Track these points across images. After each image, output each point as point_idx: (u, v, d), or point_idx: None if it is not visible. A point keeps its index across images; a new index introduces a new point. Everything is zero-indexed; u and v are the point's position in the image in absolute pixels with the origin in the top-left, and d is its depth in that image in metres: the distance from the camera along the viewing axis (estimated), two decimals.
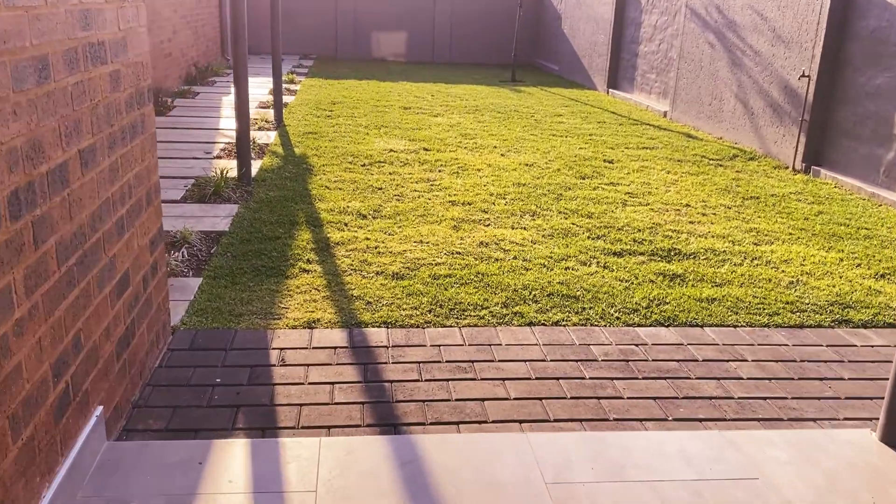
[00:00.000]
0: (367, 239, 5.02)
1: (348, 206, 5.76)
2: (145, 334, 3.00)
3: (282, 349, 3.37)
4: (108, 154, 2.54)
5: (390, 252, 4.77)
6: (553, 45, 17.40)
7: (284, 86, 12.45)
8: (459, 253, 4.81)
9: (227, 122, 9.02)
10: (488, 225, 5.49)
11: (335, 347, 3.41)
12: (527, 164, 7.57)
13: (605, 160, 7.94)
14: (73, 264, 2.23)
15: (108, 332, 2.54)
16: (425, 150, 8.08)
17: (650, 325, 3.81)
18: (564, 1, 16.51)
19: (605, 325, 3.78)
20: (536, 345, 3.51)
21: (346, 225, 5.33)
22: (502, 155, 8.03)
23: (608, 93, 13.72)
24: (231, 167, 6.71)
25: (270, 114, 9.55)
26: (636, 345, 3.57)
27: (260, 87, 12.21)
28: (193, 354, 3.26)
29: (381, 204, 5.89)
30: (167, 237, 4.85)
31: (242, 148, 6.24)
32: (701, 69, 10.21)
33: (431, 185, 6.60)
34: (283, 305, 3.89)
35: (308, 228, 5.20)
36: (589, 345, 3.54)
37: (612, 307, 4.01)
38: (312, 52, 18.95)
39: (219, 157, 7.26)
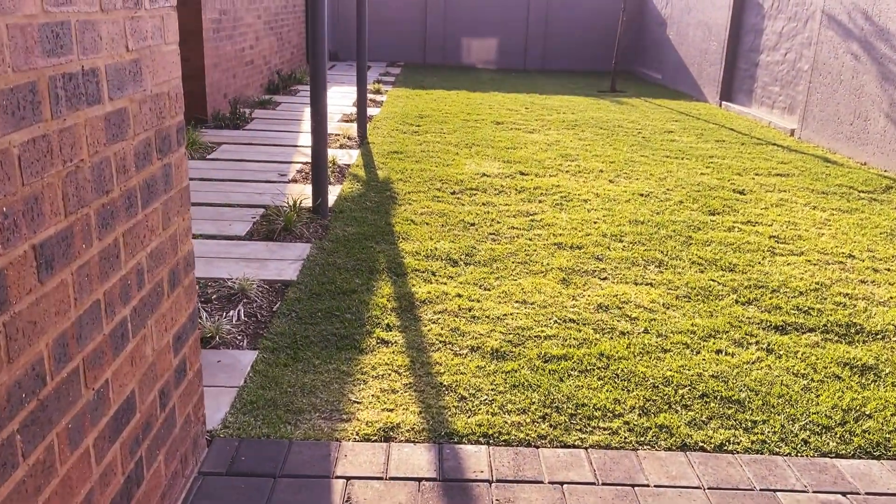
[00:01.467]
0: (459, 296, 4.11)
1: (436, 248, 4.88)
2: (162, 468, 2.18)
3: (348, 479, 2.49)
4: (101, 235, 1.72)
5: (487, 316, 3.85)
6: (656, 52, 16.13)
7: (370, 96, 11.75)
8: (573, 321, 3.84)
9: (307, 138, 8.32)
10: (605, 278, 4.50)
11: (419, 480, 2.50)
12: (641, 195, 6.52)
13: (734, 190, 6.79)
14: (15, 431, 1.40)
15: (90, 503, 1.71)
16: (522, 174, 7.14)
17: (853, 456, 2.75)
18: (671, 5, 15.24)
19: (791, 454, 2.74)
20: (699, 488, 2.51)
21: (433, 275, 4.44)
22: (611, 181, 7.00)
23: (721, 105, 12.42)
24: (306, 194, 5.94)
25: (354, 129, 8.82)
26: (843, 493, 2.52)
27: (345, 98, 11.54)
28: (231, 484, 2.42)
29: (474, 245, 4.98)
30: (223, 288, 4.08)
31: (319, 176, 5.45)
32: (840, 83, 8.87)
33: (531, 220, 5.65)
34: (354, 398, 3.02)
35: (389, 278, 4.34)
36: (775, 490, 2.52)
37: (793, 421, 2.96)
38: (400, 60, 18.30)
39: (294, 181, 6.52)
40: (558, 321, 3.83)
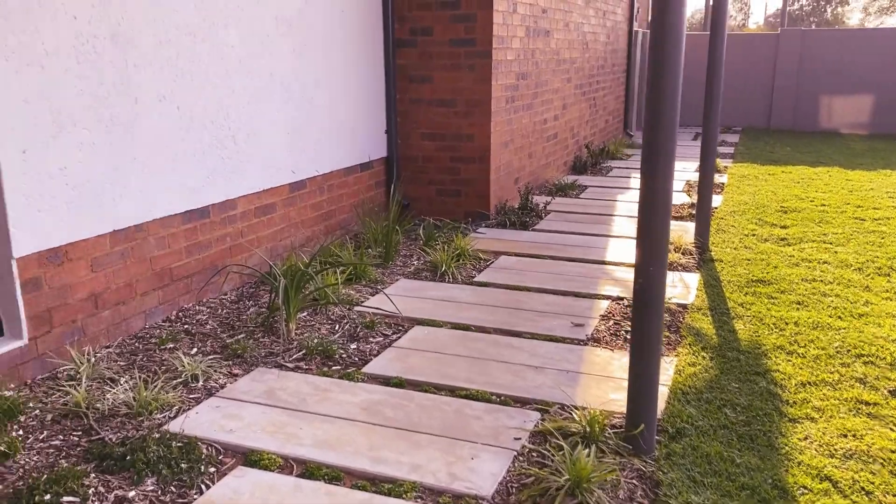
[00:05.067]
0: None
1: None
2: None
3: None
4: None
5: None
6: None
7: None
8: None
9: (620, 247, 5.79)
10: None
11: None
12: None
13: None
14: None
15: None
16: None
17: None
18: None
19: None
20: None
21: None
22: None
23: None
24: (614, 379, 3.40)
25: (688, 231, 6.10)
26: None
27: (675, 180, 8.79)
28: None
29: None
30: None
31: (643, 371, 2.85)
32: None
33: None
34: None
35: None
36: None
37: None
38: (735, 124, 15.05)
39: (595, 340, 3.99)
40: None
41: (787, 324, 4.16)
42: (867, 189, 8.11)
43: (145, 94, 3.97)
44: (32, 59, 3.34)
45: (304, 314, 4.34)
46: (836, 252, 5.61)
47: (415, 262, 5.40)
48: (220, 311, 4.42)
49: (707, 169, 5.71)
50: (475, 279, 5.00)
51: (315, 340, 3.87)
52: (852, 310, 4.37)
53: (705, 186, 5.74)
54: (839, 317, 4.27)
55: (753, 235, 6.13)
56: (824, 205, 7.31)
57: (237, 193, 4.78)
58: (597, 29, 10.03)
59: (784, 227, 6.44)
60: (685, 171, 9.48)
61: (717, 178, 8.82)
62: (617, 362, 3.65)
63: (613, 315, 4.32)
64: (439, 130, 6.59)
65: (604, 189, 8.21)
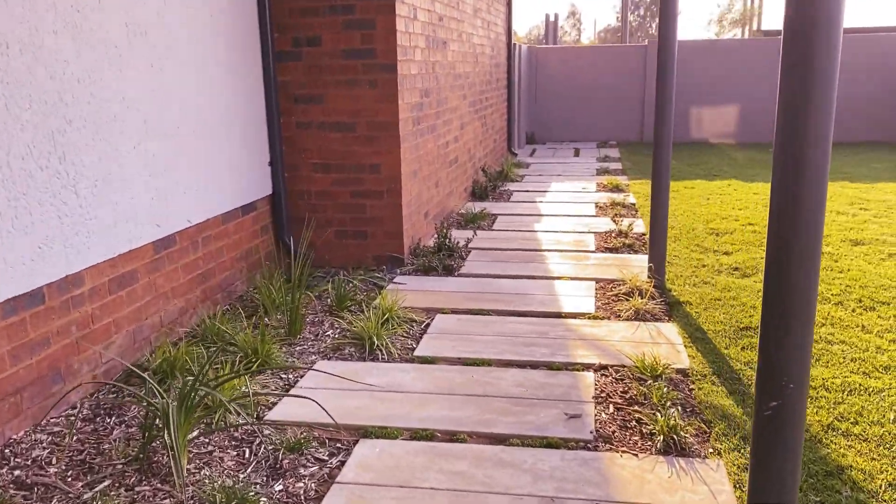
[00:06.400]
0: None
1: None
2: None
3: None
4: None
5: None
6: None
7: (610, 196, 8.30)
8: None
9: (567, 293, 4.88)
10: None
11: None
12: None
13: None
14: None
15: None
16: None
17: None
18: None
19: None
20: None
21: None
22: None
23: None
24: (656, 499, 2.45)
25: (629, 266, 5.32)
26: None
27: (580, 201, 8.07)
28: None
29: None
30: None
31: None
32: None
33: None
34: None
35: None
36: None
37: None
38: (611, 138, 14.90)
39: (606, 440, 3.02)
40: None
41: (815, 389, 3.41)
42: (763, 203, 7.79)
43: None
44: None
45: (196, 432, 3.07)
46: None
47: (329, 333, 4.22)
48: (68, 438, 3.06)
49: (660, 190, 4.98)
50: (416, 352, 3.91)
51: (221, 483, 2.64)
52: (872, 361, 3.70)
53: (659, 213, 5.00)
54: (865, 372, 3.57)
55: (704, 266, 5.46)
56: (751, 223, 6.85)
57: (83, 264, 3.43)
58: (483, 41, 9.25)
59: (727, 253, 5.84)
60: (585, 190, 8.87)
61: (626, 199, 8.24)
62: (651, 476, 2.70)
63: (609, 395, 3.38)
64: (336, 160, 5.45)
65: (515, 217, 7.36)
